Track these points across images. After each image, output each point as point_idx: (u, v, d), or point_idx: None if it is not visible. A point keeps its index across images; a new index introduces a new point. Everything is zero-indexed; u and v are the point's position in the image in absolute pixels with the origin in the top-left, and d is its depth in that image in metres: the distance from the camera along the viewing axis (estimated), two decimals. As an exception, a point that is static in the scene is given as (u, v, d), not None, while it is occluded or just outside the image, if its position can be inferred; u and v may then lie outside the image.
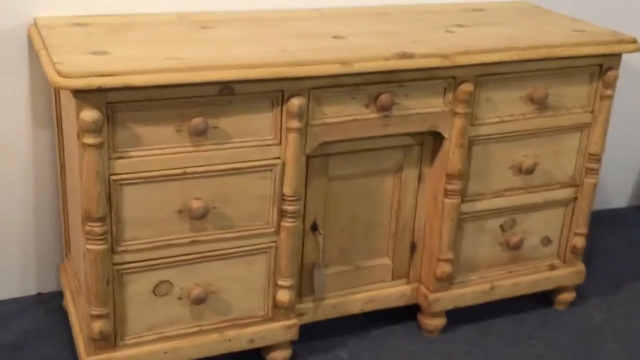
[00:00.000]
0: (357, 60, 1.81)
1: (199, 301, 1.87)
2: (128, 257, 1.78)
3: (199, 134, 1.73)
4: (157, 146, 1.73)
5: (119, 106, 1.66)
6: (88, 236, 1.71)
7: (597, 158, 2.19)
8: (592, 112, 2.16)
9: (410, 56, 1.86)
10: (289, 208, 1.88)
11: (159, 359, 1.88)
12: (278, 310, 1.98)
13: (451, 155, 2.01)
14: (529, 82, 2.05)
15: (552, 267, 2.31)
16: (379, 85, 1.88)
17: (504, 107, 2.04)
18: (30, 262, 2.26)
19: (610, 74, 2.10)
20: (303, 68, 1.75)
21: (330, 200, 2.01)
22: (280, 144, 1.83)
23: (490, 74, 1.98)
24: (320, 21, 2.13)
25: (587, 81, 2.12)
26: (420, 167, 2.08)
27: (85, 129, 1.63)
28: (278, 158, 1.84)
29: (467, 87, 1.95)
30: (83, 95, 1.61)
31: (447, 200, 2.05)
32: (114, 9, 2.06)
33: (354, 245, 2.10)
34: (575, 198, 2.25)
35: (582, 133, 2.18)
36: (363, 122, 1.90)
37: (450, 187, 2.04)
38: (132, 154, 1.70)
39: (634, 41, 2.09)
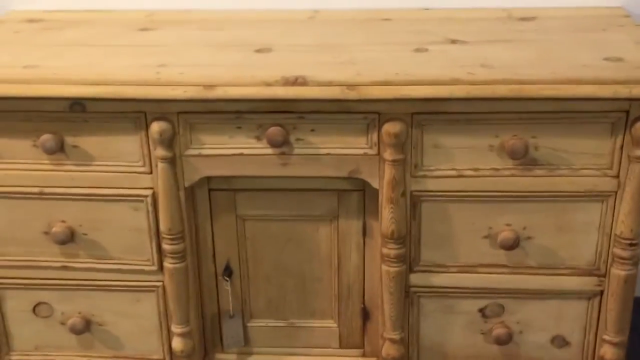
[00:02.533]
0: (230, 83, 1.46)
1: (78, 331, 1.72)
2: (0, 272, 1.70)
3: (50, 152, 1.56)
4: (14, 160, 1.60)
5: (-33, 115, 1.55)
6: (-50, 248, 1.66)
7: (627, 242, 1.53)
8: (617, 177, 1.51)
9: (303, 82, 1.45)
10: (168, 247, 1.62)
11: (45, 381, 1.78)
12: (177, 357, 1.74)
13: (382, 211, 1.55)
14: (504, 128, 1.49)
15: (572, 377, 1.70)
16: (271, 114, 1.51)
17: (464, 158, 1.52)
18: None
19: (639, 126, 1.44)
20: (156, 89, 1.47)
21: (245, 242, 1.70)
22: (151, 173, 1.57)
23: (435, 113, 1.48)
24: (293, 26, 1.78)
25: (608, 133, 1.48)
26: (365, 218, 1.65)
27: None
28: (150, 189, 1.59)
29: (392, 127, 1.48)
30: None
31: (384, 267, 1.61)
32: (94, 5, 1.94)
33: (285, 299, 1.75)
34: (602, 292, 1.61)
35: (604, 204, 1.54)
36: (255, 158, 1.55)
37: (385, 250, 1.59)
38: (-13, 166, 1.60)
39: (674, 82, 1.40)
